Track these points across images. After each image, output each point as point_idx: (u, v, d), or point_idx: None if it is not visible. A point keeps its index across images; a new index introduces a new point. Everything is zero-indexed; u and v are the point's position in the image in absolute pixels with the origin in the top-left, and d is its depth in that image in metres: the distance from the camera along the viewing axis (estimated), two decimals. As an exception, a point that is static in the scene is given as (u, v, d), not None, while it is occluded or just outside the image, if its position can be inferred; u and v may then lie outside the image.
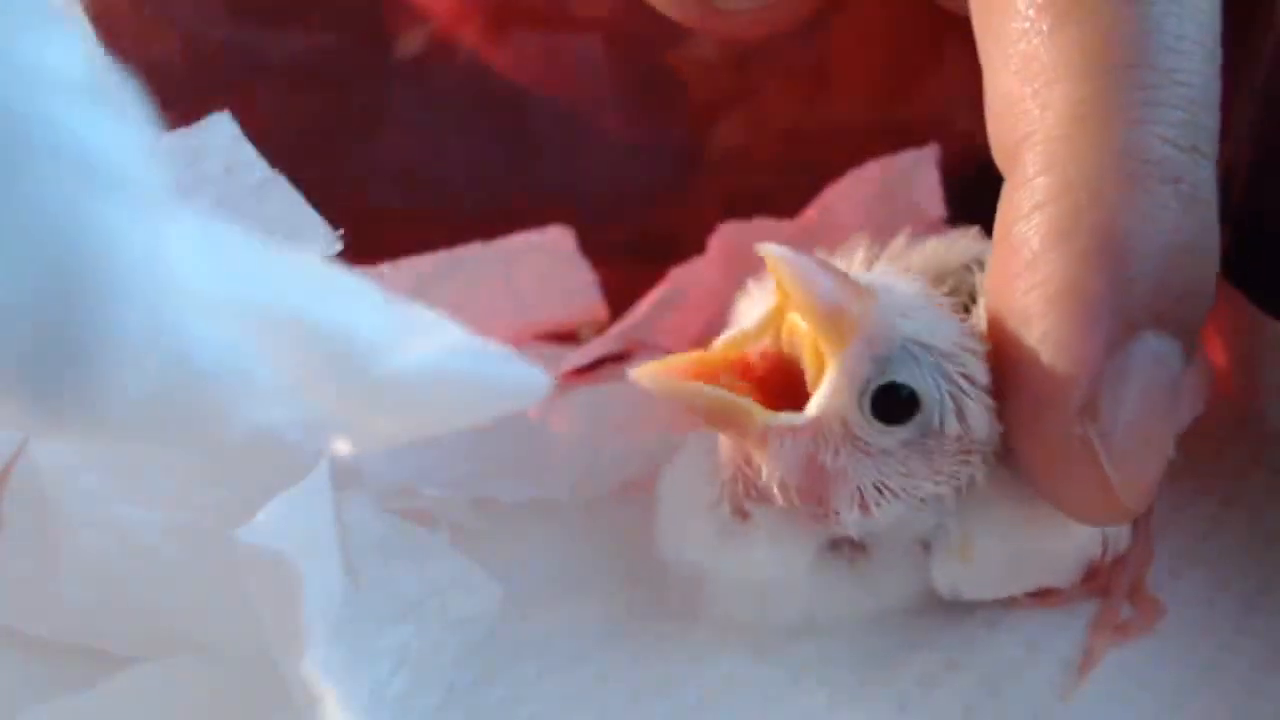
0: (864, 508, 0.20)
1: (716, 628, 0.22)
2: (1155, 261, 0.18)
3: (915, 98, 0.29)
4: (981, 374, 0.20)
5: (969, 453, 0.20)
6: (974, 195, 0.24)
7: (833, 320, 0.19)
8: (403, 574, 0.21)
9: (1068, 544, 0.22)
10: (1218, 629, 0.22)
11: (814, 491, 0.20)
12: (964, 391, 0.20)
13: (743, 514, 0.21)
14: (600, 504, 0.25)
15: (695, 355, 0.20)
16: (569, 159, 0.30)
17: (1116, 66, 0.19)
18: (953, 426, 0.20)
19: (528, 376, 0.17)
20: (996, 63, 0.20)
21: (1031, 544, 0.21)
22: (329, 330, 0.15)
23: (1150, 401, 0.18)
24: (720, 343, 0.21)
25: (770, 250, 0.19)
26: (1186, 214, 0.18)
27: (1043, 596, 0.23)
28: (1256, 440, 0.26)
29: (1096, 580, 0.23)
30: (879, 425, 0.20)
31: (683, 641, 0.22)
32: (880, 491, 0.20)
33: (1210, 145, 0.19)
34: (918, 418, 0.20)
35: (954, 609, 0.23)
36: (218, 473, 0.21)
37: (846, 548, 0.21)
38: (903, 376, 0.19)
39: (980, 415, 0.20)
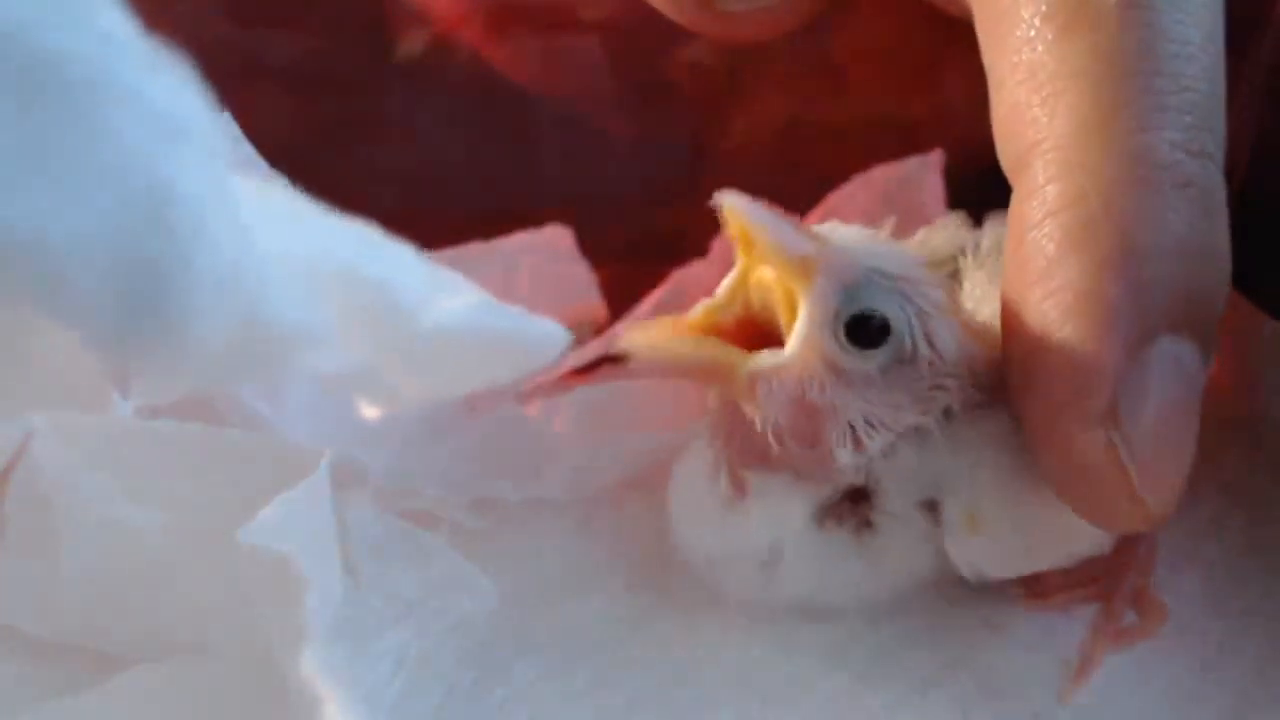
0: (856, 443, 0.20)
1: (716, 628, 0.22)
2: (1171, 266, 0.18)
3: (916, 99, 0.29)
4: (939, 296, 0.21)
5: (945, 376, 0.21)
6: (975, 196, 0.24)
7: (798, 258, 0.20)
8: (402, 574, 0.21)
9: (1084, 530, 0.21)
10: (1217, 629, 0.22)
11: (806, 431, 0.20)
12: (928, 313, 0.20)
13: (741, 488, 0.21)
14: (600, 504, 0.25)
15: (673, 319, 0.21)
16: (569, 159, 0.30)
17: (1124, 73, 0.19)
18: (924, 348, 0.20)
19: (547, 332, 0.18)
20: (1002, 71, 0.20)
21: (1040, 513, 0.21)
22: (374, 285, 0.16)
23: (1172, 405, 0.18)
24: (693, 313, 0.21)
25: (730, 200, 0.20)
26: (1199, 218, 0.19)
27: (1044, 597, 0.23)
28: (1257, 440, 0.26)
29: (1099, 582, 0.23)
30: (855, 351, 0.20)
31: (683, 642, 0.22)
32: (869, 425, 0.20)
33: (1219, 149, 0.19)
34: (890, 341, 0.20)
35: (954, 610, 0.23)
36: (218, 473, 0.21)
37: (851, 521, 0.21)
38: (871, 303, 0.20)
39: (947, 334, 0.20)
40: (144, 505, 0.21)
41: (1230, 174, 0.27)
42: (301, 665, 0.18)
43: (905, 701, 0.21)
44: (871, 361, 0.20)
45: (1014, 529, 0.21)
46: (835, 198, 0.29)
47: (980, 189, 0.23)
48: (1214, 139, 0.19)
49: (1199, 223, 0.19)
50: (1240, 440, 0.26)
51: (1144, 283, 0.18)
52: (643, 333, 0.20)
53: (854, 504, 0.21)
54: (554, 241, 0.29)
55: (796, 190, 0.29)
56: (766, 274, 0.20)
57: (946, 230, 0.24)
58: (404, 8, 0.28)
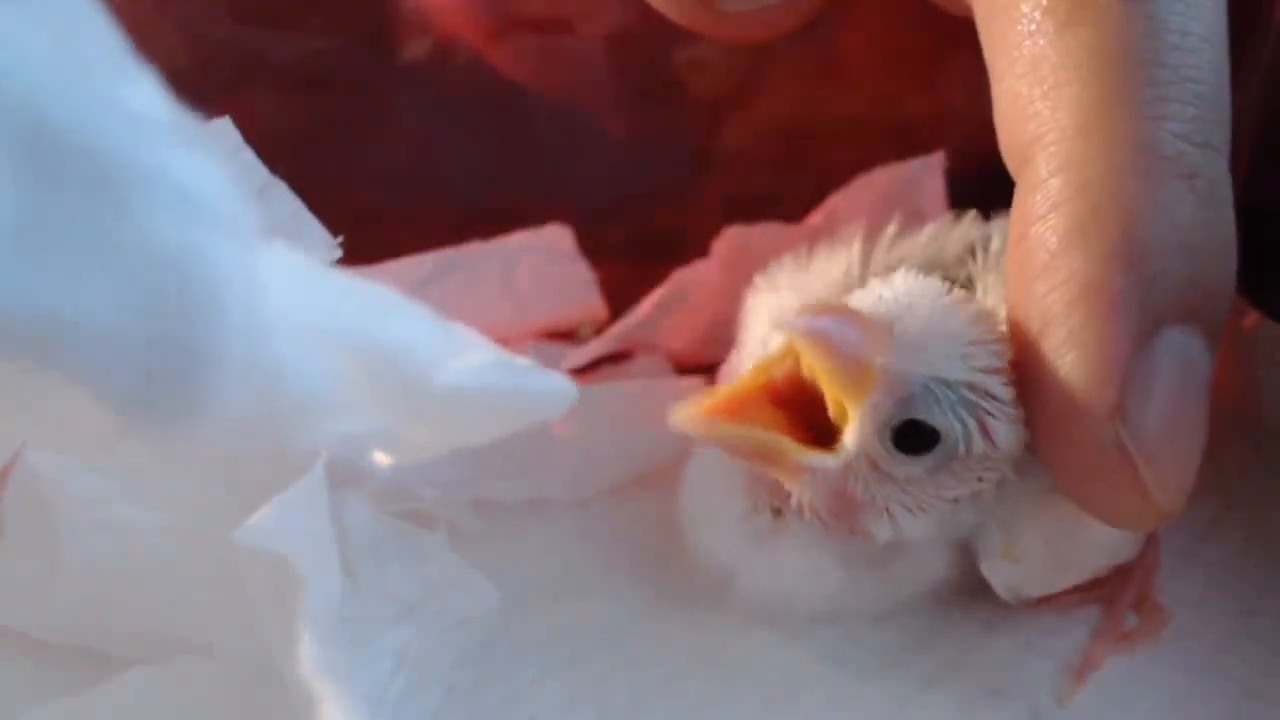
0: (894, 522, 0.20)
1: (717, 628, 0.22)
2: (1177, 257, 0.18)
3: (917, 98, 0.29)
4: (1003, 390, 0.20)
5: (1001, 461, 0.20)
6: (976, 196, 0.24)
7: (853, 378, 0.19)
8: (400, 575, 0.21)
9: (1110, 541, 0.22)
10: (1216, 630, 0.22)
11: (844, 517, 0.20)
12: (988, 412, 0.20)
13: (776, 511, 0.21)
14: (599, 504, 0.25)
15: (725, 391, 0.20)
16: (569, 159, 0.30)
17: (1126, 65, 0.19)
18: (978, 448, 0.20)
19: (556, 387, 0.19)
20: (1003, 65, 0.20)
21: (1075, 537, 0.21)
22: (390, 349, 0.17)
23: (1180, 398, 0.18)
24: (746, 368, 0.21)
25: (793, 326, 0.19)
26: (1204, 209, 0.18)
27: (1044, 599, 0.23)
28: (1256, 440, 0.26)
29: (1102, 585, 0.23)
30: (902, 457, 0.20)
31: (684, 641, 0.22)
32: (909, 510, 0.20)
33: (1223, 141, 0.19)
34: (940, 447, 0.20)
35: (955, 610, 0.23)
36: (216, 473, 0.21)
37: (880, 550, 0.21)
38: (923, 415, 0.20)
39: (1007, 432, 0.20)
40: (142, 506, 0.21)
41: (1231, 170, 0.27)
42: (299, 665, 0.18)
43: (907, 701, 0.21)
44: (918, 466, 0.20)
45: (1051, 553, 0.21)
46: (836, 199, 0.29)
47: (982, 190, 0.23)
48: (1218, 131, 0.19)
49: (1204, 214, 0.18)
50: (1240, 441, 0.26)
51: (1150, 274, 0.18)
52: (694, 407, 0.20)
53: None
54: (554, 241, 0.29)
55: (796, 191, 0.29)
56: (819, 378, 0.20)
57: (960, 228, 0.24)
58: (405, 9, 0.28)
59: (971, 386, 0.20)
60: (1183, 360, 0.18)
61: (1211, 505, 0.25)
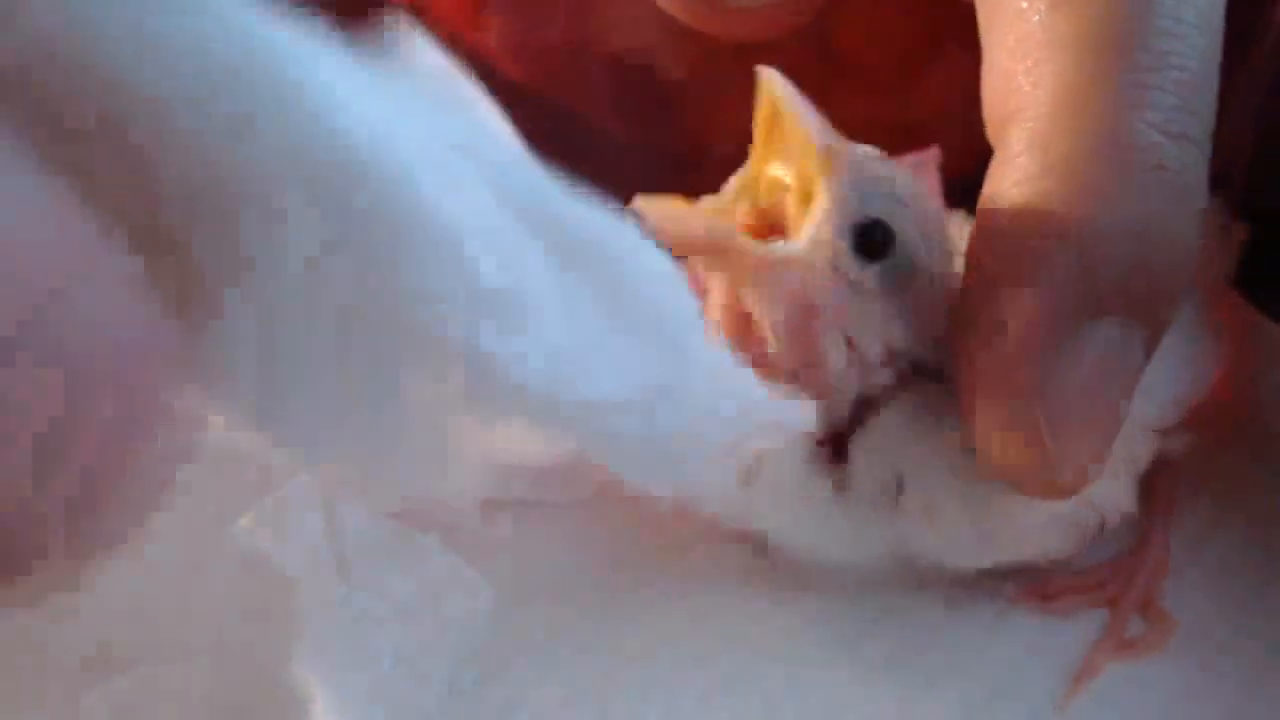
0: (850, 349, 0.20)
1: (719, 627, 0.23)
2: (1125, 247, 0.18)
3: (917, 96, 0.29)
4: (941, 225, 0.21)
5: (935, 305, 0.21)
6: (973, 194, 0.24)
7: (824, 146, 0.20)
8: (398, 575, 0.21)
9: (1039, 512, 0.22)
10: (1216, 630, 0.22)
11: (802, 332, 0.20)
12: (928, 238, 0.21)
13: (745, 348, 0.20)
14: (598, 503, 0.25)
15: (685, 203, 0.20)
16: (568, 159, 0.30)
17: (1110, 48, 0.19)
18: (926, 267, 0.20)
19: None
20: (994, 41, 0.20)
21: (994, 506, 0.21)
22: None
23: (1100, 385, 0.18)
24: (701, 205, 0.21)
25: (769, 76, 0.20)
26: (1166, 202, 0.18)
27: (1049, 600, 0.23)
28: (1256, 440, 0.26)
29: (1106, 588, 0.23)
30: (860, 260, 0.20)
31: (685, 640, 0.22)
32: (864, 336, 0.20)
33: (1203, 132, 0.19)
34: (894, 255, 0.20)
35: (958, 611, 0.23)
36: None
37: (831, 475, 0.21)
38: (881, 213, 0.20)
39: (942, 259, 0.21)
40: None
41: (1230, 175, 0.27)
42: (297, 666, 0.18)
43: (908, 700, 0.21)
44: (873, 275, 0.20)
45: (970, 520, 0.21)
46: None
47: (979, 187, 0.23)
48: (1198, 122, 0.19)
49: (1164, 207, 0.18)
50: (1240, 442, 0.26)
51: (1093, 262, 0.18)
52: (658, 202, 0.19)
53: (835, 457, 0.21)
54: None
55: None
56: (779, 172, 0.20)
57: (950, 226, 0.24)
58: (405, 9, 0.28)
59: (917, 209, 0.21)
60: (1111, 351, 0.18)
61: (1211, 505, 0.25)
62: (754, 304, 0.20)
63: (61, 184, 0.09)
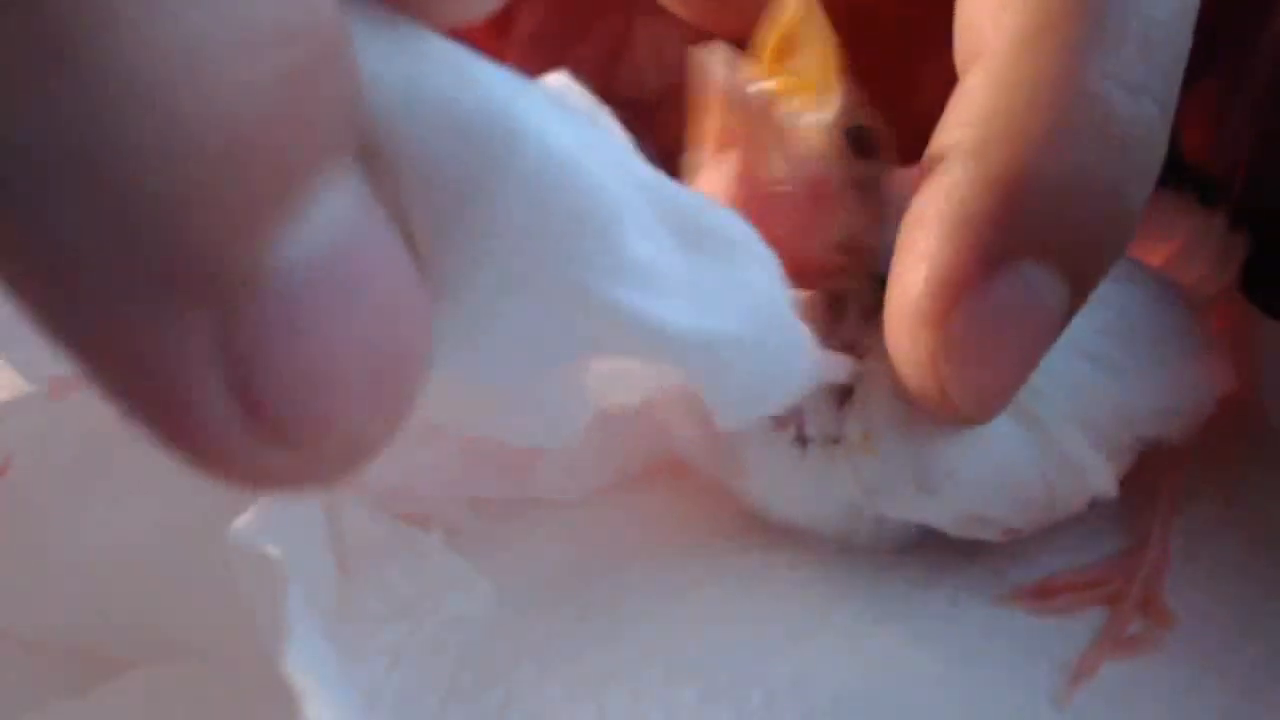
0: (845, 246, 0.22)
1: (719, 626, 0.22)
2: (1059, 197, 0.18)
3: (917, 96, 0.29)
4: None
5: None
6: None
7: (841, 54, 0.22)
8: (396, 574, 0.21)
9: (982, 464, 0.22)
10: (1218, 630, 0.22)
11: (815, 201, 0.22)
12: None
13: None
14: (598, 503, 0.25)
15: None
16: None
17: None
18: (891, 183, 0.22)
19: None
20: None
21: (933, 437, 0.21)
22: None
23: (1008, 324, 0.19)
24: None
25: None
26: (1111, 155, 0.18)
27: (1049, 599, 0.23)
28: (1256, 440, 0.26)
29: (1106, 586, 0.23)
30: (855, 157, 0.22)
31: (685, 639, 0.22)
32: (865, 225, 0.22)
33: (1164, 87, 0.19)
34: (875, 162, 0.22)
35: (958, 610, 0.23)
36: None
37: (790, 430, 0.22)
38: (868, 122, 0.22)
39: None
40: (135, 506, 0.21)
41: (1231, 174, 0.27)
42: (295, 665, 0.17)
43: (909, 699, 0.21)
44: (864, 170, 0.22)
45: (906, 447, 0.21)
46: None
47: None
48: (1159, 75, 0.18)
49: (1106, 159, 0.18)
50: (1240, 440, 0.26)
51: (1019, 206, 0.18)
52: (722, 51, 0.21)
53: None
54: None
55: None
56: (788, 79, 0.22)
57: None
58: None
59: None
60: (1026, 294, 0.18)
61: (1212, 505, 0.25)
62: (779, 169, 0.21)
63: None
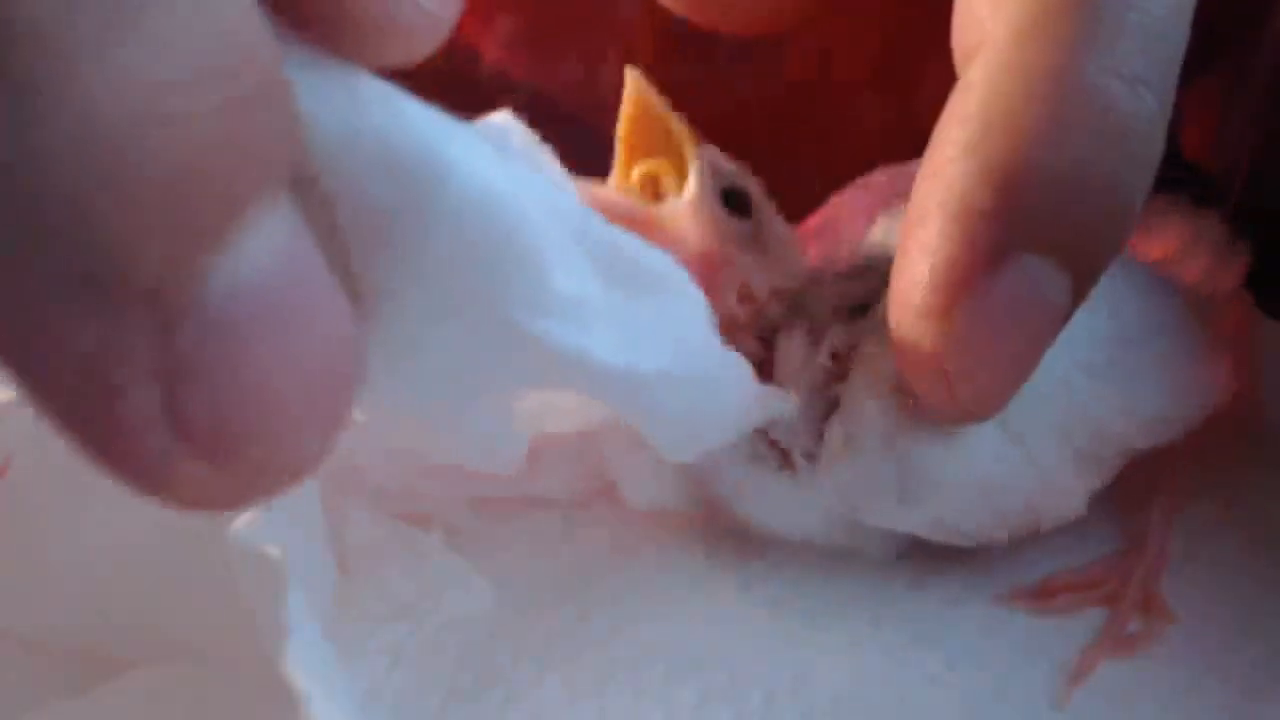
0: (744, 297, 0.23)
1: (720, 626, 0.22)
2: (1054, 191, 0.18)
3: (917, 96, 0.29)
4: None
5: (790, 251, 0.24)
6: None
7: (690, 130, 0.23)
8: (398, 574, 0.21)
9: (963, 476, 0.22)
10: (1217, 629, 0.22)
11: (707, 272, 0.22)
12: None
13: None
14: (598, 503, 0.25)
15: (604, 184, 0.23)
16: (565, 159, 0.30)
17: None
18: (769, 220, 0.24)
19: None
20: None
21: (915, 455, 0.21)
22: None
23: (1009, 318, 0.19)
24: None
25: (638, 78, 0.23)
26: (1108, 147, 0.18)
27: (1048, 599, 0.23)
28: (1256, 440, 0.26)
29: (1104, 586, 0.23)
30: (734, 218, 0.23)
31: (685, 640, 0.22)
32: (752, 279, 0.23)
33: (1161, 79, 0.19)
34: (754, 216, 0.23)
35: (958, 610, 0.23)
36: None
37: (775, 455, 0.23)
38: (736, 182, 0.23)
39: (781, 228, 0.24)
40: (135, 506, 0.21)
41: (1231, 174, 0.27)
42: (294, 665, 0.17)
43: (909, 699, 0.21)
44: (745, 226, 0.23)
45: (887, 456, 0.21)
46: (837, 200, 0.28)
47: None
48: (1157, 69, 0.19)
49: (1106, 152, 0.18)
50: (1240, 440, 0.26)
51: (1021, 200, 0.18)
52: (586, 184, 0.22)
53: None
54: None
55: (796, 192, 0.29)
56: (646, 169, 0.23)
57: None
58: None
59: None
60: (1029, 288, 0.19)
61: (1211, 505, 0.25)
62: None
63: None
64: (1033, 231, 0.18)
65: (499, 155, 0.15)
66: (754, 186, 0.24)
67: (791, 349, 0.23)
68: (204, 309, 0.11)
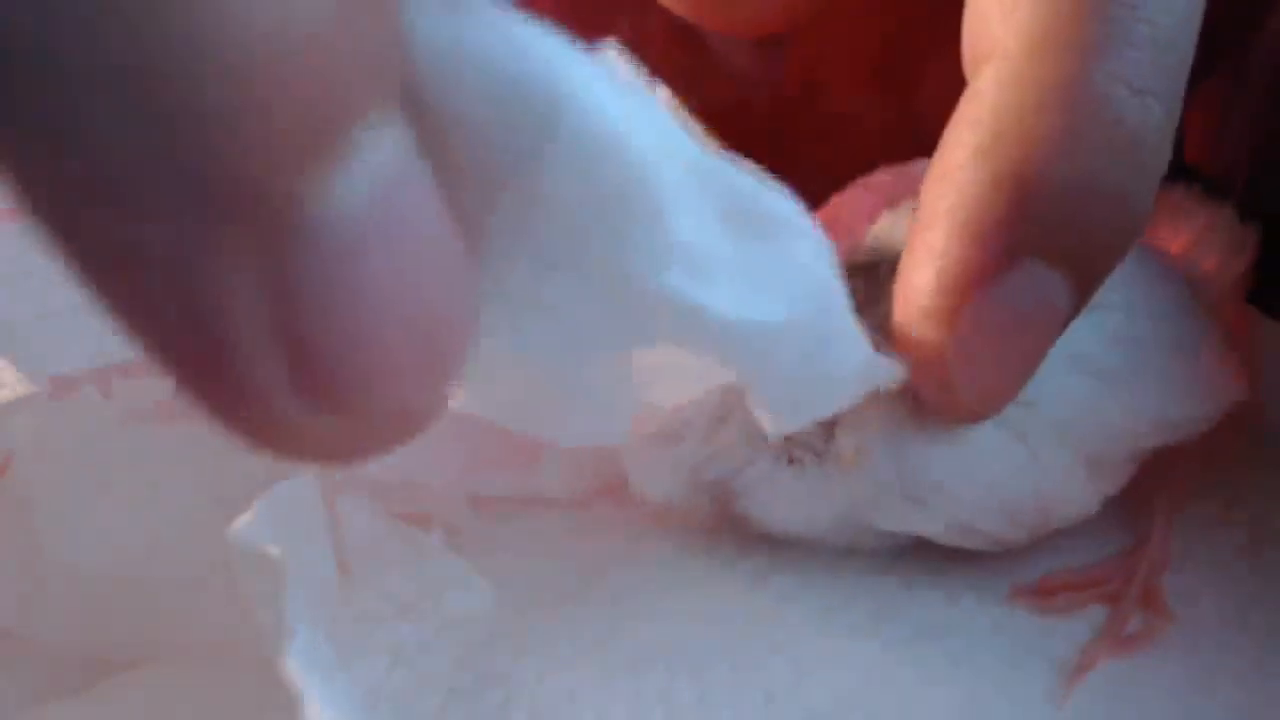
0: None
1: (720, 626, 0.22)
2: (1067, 198, 0.19)
3: (918, 95, 0.29)
4: None
5: None
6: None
7: None
8: (396, 573, 0.21)
9: (972, 478, 0.22)
10: (1217, 629, 0.22)
11: None
12: None
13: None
14: (598, 503, 0.25)
15: None
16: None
17: None
18: None
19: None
20: None
21: (925, 463, 0.22)
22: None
23: (1014, 324, 0.19)
24: None
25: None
26: (1116, 157, 0.19)
27: (1048, 598, 0.23)
28: (1257, 440, 0.26)
29: (1106, 585, 0.23)
30: None
31: (686, 640, 0.22)
32: None
33: (1169, 90, 0.19)
34: None
35: (958, 609, 0.23)
36: (209, 472, 0.21)
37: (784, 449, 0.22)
38: None
39: None
40: (135, 506, 0.21)
41: (1232, 175, 0.27)
42: (291, 664, 0.18)
43: (909, 698, 0.21)
44: None
45: (896, 459, 0.22)
46: (838, 200, 0.29)
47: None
48: (1166, 79, 0.19)
49: (1114, 161, 0.19)
50: (1240, 439, 0.26)
51: (1029, 207, 0.19)
52: None
53: None
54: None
55: (796, 191, 0.29)
56: None
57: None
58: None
59: None
60: (1033, 294, 0.19)
61: (1211, 505, 0.25)
62: None
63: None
64: (1040, 239, 0.19)
65: (619, 88, 0.14)
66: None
67: None
68: (313, 225, 0.10)
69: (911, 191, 0.26)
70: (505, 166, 0.13)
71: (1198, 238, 0.26)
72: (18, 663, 0.21)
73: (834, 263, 0.18)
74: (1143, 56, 0.19)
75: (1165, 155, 0.19)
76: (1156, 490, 0.24)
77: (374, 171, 0.11)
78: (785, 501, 0.23)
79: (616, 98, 0.13)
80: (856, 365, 0.19)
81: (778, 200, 0.17)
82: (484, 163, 0.13)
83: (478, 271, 0.13)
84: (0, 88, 0.09)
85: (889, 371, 0.20)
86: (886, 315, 0.21)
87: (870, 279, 0.23)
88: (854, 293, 0.23)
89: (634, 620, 0.23)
